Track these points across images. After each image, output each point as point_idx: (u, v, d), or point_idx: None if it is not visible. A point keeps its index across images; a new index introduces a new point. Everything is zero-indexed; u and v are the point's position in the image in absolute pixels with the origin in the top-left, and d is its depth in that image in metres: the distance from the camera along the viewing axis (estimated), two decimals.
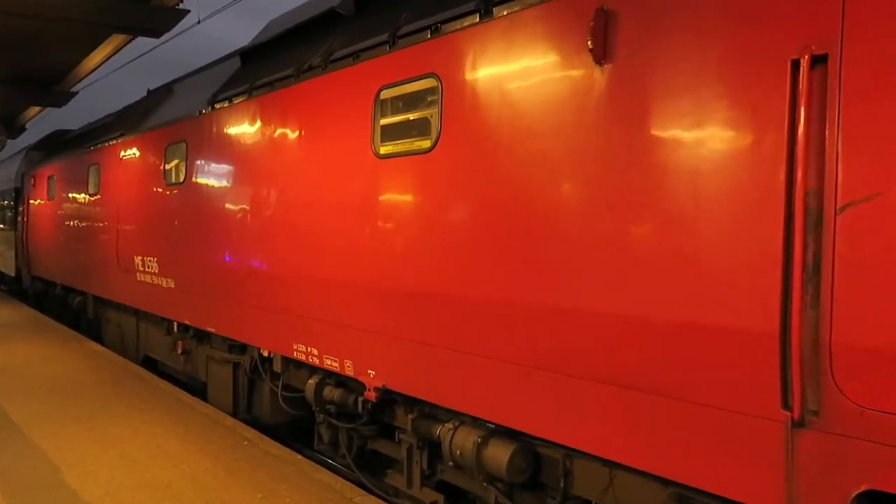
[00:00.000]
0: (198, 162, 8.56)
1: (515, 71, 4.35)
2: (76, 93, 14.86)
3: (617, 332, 3.68)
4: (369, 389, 5.66)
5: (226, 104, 7.97)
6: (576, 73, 3.95)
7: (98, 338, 13.48)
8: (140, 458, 5.89)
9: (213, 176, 8.18)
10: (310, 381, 6.56)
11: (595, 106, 3.84)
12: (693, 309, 3.32)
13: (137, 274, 10.47)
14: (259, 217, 7.13)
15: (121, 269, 11.16)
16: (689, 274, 3.35)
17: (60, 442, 6.30)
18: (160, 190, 9.68)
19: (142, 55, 15.14)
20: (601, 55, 3.78)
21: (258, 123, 7.20)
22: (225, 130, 7.92)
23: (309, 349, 6.42)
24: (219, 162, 8.03)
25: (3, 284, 23.73)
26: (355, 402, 6.15)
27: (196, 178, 8.61)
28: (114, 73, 15.92)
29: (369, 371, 5.66)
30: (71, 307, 15.00)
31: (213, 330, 8.23)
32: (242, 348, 8.16)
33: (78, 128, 17.25)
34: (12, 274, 20.43)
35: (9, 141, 27.20)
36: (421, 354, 5.07)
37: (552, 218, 4.07)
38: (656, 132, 3.53)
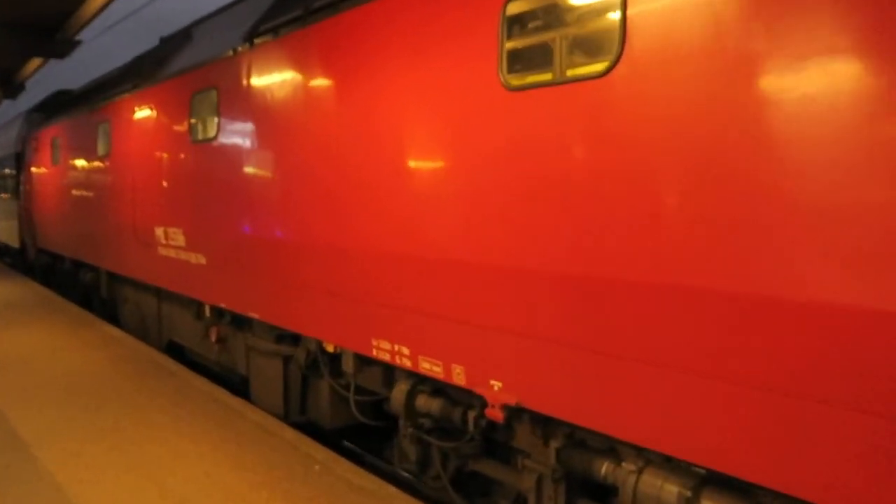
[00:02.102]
0: (232, 112, 7.02)
1: None
2: (80, 42, 13.19)
3: None
4: (492, 406, 4.21)
5: (269, 38, 6.39)
6: None
7: (114, 319, 12.08)
8: (189, 495, 4.47)
9: (253, 128, 6.64)
10: (399, 386, 5.13)
11: None
12: None
13: (159, 248, 9.00)
14: (320, 178, 5.61)
15: (139, 241, 9.68)
16: None
17: (81, 470, 4.89)
18: (185, 148, 8.15)
19: (140, 8, 13.49)
20: None
21: (318, 57, 5.63)
22: (269, 70, 6.36)
23: (396, 347, 4.97)
24: (261, 110, 6.48)
25: (7, 257, 22.34)
26: (463, 416, 4.74)
27: (231, 132, 7.07)
28: (104, 34, 14.17)
29: (493, 382, 4.21)
30: (82, 284, 13.57)
31: (257, 316, 6.78)
32: (295, 338, 6.73)
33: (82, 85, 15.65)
34: (16, 245, 19.02)
35: (8, 104, 25.59)
36: (586, 366, 3.60)
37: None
38: None
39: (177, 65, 8.77)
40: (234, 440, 5.56)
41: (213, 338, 8.03)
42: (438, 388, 5.07)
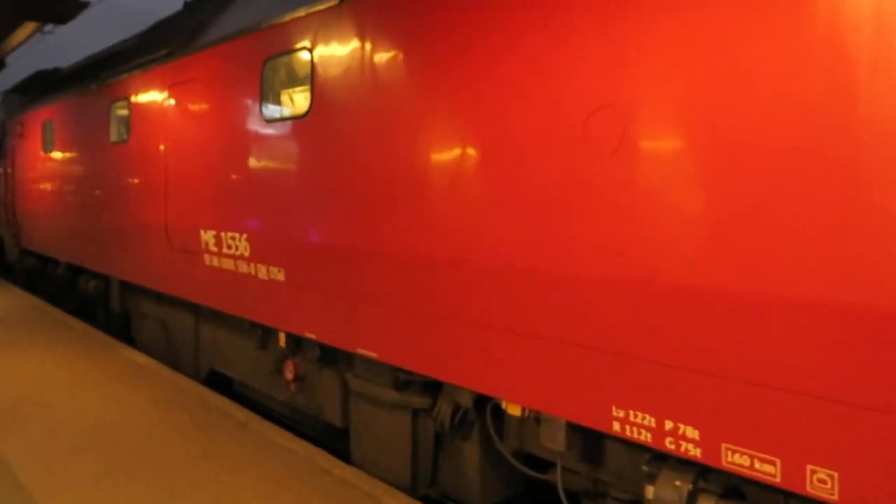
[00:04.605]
0: (338, 80, 5.23)
1: None
2: (86, 4, 11.15)
3: None
4: None
5: None
6: None
7: (126, 336, 10.14)
8: None
9: (375, 102, 4.87)
10: (668, 481, 3.43)
11: None
12: None
13: (205, 256, 7.15)
14: (500, 166, 3.88)
15: (173, 248, 7.81)
16: None
17: None
18: (253, 131, 6.32)
19: None
20: None
21: None
22: (402, 20, 4.60)
23: (670, 426, 3.27)
24: (391, 76, 4.72)
25: None
26: None
27: (335, 107, 5.29)
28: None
29: None
30: (82, 293, 11.55)
31: (374, 355, 5.00)
32: (429, 386, 5.00)
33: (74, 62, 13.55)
34: None
35: None
36: None
37: None
38: None
39: (235, 24, 6.90)
40: None
41: (290, 375, 6.22)
42: (732, 487, 3.41)
